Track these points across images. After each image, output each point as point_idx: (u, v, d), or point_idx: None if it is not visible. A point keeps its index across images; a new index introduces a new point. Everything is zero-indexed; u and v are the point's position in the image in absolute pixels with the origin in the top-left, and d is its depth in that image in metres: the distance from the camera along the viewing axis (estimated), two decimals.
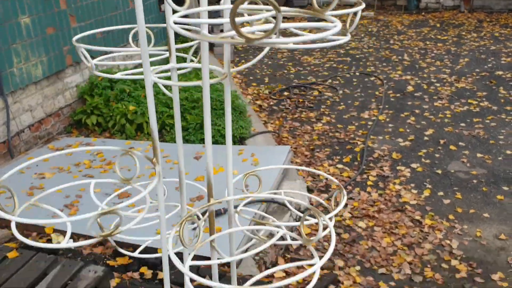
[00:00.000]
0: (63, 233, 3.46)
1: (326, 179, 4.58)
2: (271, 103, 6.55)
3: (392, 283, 3.32)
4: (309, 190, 4.40)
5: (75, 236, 3.36)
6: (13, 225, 1.39)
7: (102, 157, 4.54)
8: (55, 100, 5.11)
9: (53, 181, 4.09)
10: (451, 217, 4.02)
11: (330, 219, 1.53)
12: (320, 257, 1.27)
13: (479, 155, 4.97)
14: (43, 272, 2.69)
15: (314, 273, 1.24)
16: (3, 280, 2.59)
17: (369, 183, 4.55)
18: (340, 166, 4.87)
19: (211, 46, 7.41)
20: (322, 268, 3.34)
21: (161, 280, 3.00)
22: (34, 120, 4.86)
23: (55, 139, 5.04)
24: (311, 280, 1.25)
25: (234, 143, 4.81)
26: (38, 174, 4.24)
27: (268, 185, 3.92)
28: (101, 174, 4.23)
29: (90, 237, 1.59)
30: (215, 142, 4.77)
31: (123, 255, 3.22)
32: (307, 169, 1.79)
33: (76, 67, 5.37)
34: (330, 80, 7.32)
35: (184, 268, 1.26)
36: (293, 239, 1.53)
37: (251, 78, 7.57)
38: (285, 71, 7.82)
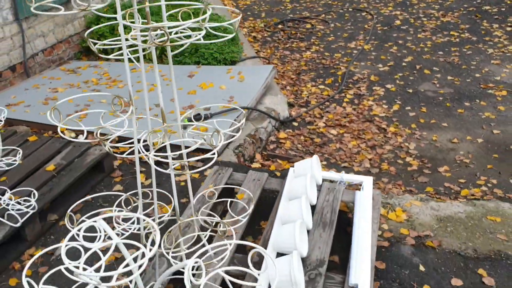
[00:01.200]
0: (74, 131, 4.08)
1: (308, 96, 5.13)
2: (265, 35, 7.01)
3: (352, 174, 3.92)
4: (290, 105, 4.95)
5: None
6: (58, 129, 1.79)
7: (108, 76, 5.11)
8: (65, 28, 5.64)
9: (65, 95, 4.69)
10: (413, 126, 4.56)
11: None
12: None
13: (449, 77, 5.44)
14: (58, 150, 3.32)
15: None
16: (27, 155, 3.23)
17: (345, 100, 5.08)
18: (321, 86, 5.39)
19: None
20: (292, 162, 3.93)
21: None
22: (46, 45, 5.41)
23: (66, 63, 5.62)
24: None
25: (226, 65, 5.33)
26: (51, 89, 4.84)
27: (251, 97, 4.47)
28: (107, 89, 4.81)
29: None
30: (207, 63, 5.31)
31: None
32: None
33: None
34: (323, 15, 7.71)
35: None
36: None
37: (248, 13, 7.99)
38: (282, 7, 8.21)
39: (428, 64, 5.81)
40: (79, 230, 1.46)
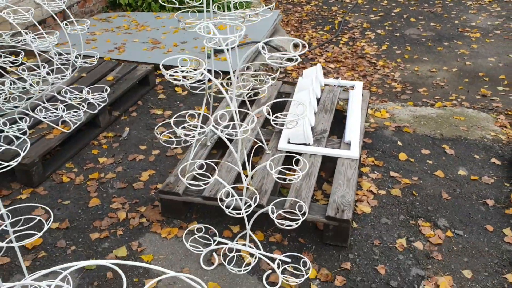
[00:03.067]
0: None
1: (309, 39, 5.94)
2: None
3: None
4: (295, 46, 5.76)
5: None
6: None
7: (136, 23, 5.90)
8: None
9: (102, 37, 5.49)
10: (398, 60, 5.39)
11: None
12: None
13: (432, 24, 6.26)
14: (111, 68, 4.14)
15: None
16: (88, 71, 4.05)
17: (341, 42, 5.90)
18: (321, 32, 6.21)
19: None
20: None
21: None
22: None
23: (97, 14, 6.39)
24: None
25: None
26: (90, 33, 5.63)
27: (263, 35, 5.29)
28: (138, 33, 5.61)
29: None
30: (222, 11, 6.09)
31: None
32: None
33: None
34: None
35: None
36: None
37: None
38: None
39: (414, 14, 6.62)
40: None
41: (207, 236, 2.62)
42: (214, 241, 2.55)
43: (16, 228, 1.75)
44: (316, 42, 5.90)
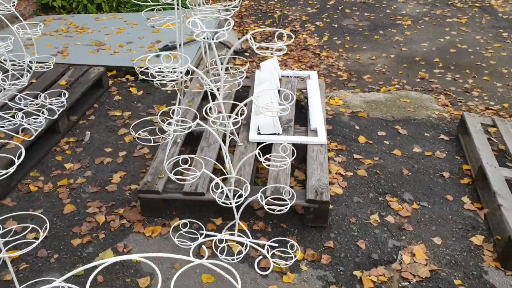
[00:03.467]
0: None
1: (254, 33, 6.04)
2: None
3: None
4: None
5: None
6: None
7: (75, 25, 5.72)
8: None
9: (40, 41, 5.28)
10: (340, 50, 5.64)
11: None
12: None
13: (366, 14, 6.58)
14: (62, 72, 4.02)
15: None
16: (38, 76, 3.90)
17: (283, 35, 6.05)
18: (262, 26, 6.33)
19: None
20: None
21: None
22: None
23: (30, 18, 6.12)
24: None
25: None
26: (26, 38, 5.38)
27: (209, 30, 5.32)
28: (78, 35, 5.44)
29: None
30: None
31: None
32: None
33: None
34: None
35: None
36: None
37: None
38: None
39: (348, 5, 6.92)
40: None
41: (192, 230, 2.65)
42: (201, 234, 2.59)
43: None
44: (260, 36, 6.02)
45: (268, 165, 2.63)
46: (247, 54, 5.60)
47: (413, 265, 2.51)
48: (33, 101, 3.40)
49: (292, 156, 2.93)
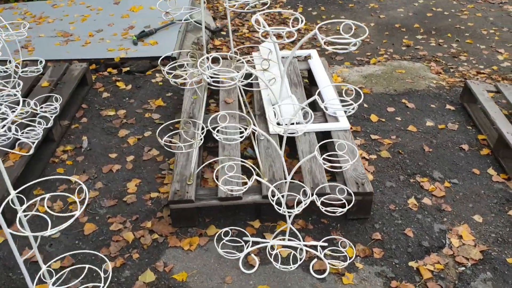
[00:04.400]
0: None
1: (224, 10, 5.75)
2: None
3: None
4: (213, 18, 5.55)
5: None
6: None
7: (32, 15, 5.20)
8: None
9: None
10: (318, 21, 5.47)
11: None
12: None
13: None
14: (41, 72, 3.61)
15: None
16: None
17: (257, 10, 5.79)
18: (234, 2, 6.02)
19: None
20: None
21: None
22: None
23: None
24: None
25: None
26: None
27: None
28: (38, 26, 4.95)
29: None
30: None
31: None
32: None
33: None
34: None
35: None
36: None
37: None
38: None
39: None
40: None
41: (235, 238, 2.48)
42: (246, 242, 2.42)
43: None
44: (233, 13, 5.73)
45: (334, 167, 2.47)
46: (223, 33, 5.33)
47: (464, 248, 2.47)
48: (23, 109, 3.03)
49: (355, 155, 2.78)
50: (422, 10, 5.63)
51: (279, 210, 2.08)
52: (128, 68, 4.01)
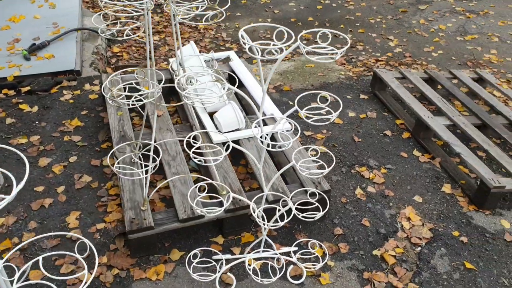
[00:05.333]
0: None
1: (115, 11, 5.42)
2: None
3: None
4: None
5: None
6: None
7: None
8: None
9: None
10: (215, 20, 5.41)
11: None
12: None
13: None
14: None
15: None
16: None
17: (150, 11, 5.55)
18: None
19: None
20: (144, 66, 4.38)
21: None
22: None
23: None
24: None
25: None
26: None
27: (76, 20, 4.61)
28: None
29: None
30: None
31: None
32: None
33: None
34: None
35: None
36: None
37: None
38: None
39: None
40: None
41: (204, 259, 2.36)
42: (218, 261, 2.33)
43: None
44: (124, 16, 5.42)
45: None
46: (119, 38, 5.02)
47: (414, 229, 2.65)
48: None
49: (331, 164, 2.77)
50: (312, 3, 5.87)
51: (262, 224, 2.03)
52: (29, 87, 3.59)
